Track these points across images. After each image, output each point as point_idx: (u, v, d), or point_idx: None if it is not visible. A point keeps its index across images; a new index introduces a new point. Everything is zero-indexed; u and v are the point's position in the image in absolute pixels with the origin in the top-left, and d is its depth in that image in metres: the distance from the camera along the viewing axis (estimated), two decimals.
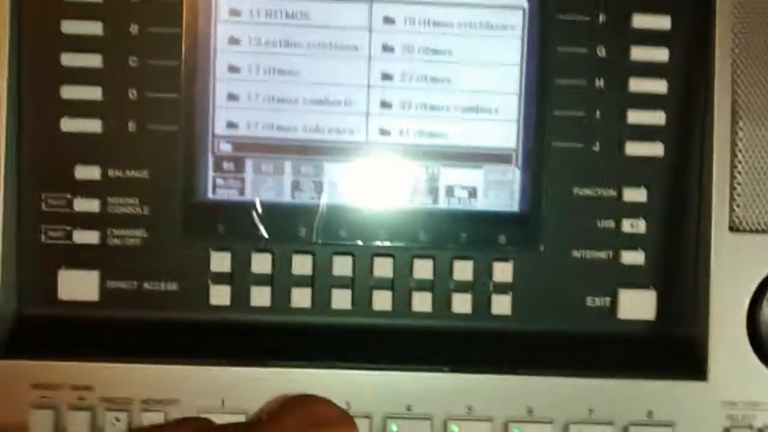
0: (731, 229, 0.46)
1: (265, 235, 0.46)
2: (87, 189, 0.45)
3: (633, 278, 0.47)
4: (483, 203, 0.47)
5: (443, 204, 0.47)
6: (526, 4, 0.46)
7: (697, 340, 0.46)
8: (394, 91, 0.46)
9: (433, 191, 0.47)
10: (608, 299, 0.47)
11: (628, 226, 0.47)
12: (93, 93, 0.45)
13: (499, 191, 0.47)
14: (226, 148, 0.46)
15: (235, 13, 0.46)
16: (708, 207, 0.46)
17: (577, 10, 0.46)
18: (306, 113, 0.46)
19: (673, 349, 0.47)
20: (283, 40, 0.46)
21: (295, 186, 0.46)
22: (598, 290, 0.47)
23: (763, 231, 0.47)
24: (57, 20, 0.44)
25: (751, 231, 0.47)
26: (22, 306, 0.45)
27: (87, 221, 0.45)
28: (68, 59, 0.45)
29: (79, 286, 0.45)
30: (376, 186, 0.47)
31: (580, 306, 0.47)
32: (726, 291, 0.46)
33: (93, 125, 0.45)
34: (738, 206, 0.46)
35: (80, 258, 0.45)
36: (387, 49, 0.46)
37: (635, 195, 0.47)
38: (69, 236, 0.45)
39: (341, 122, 0.46)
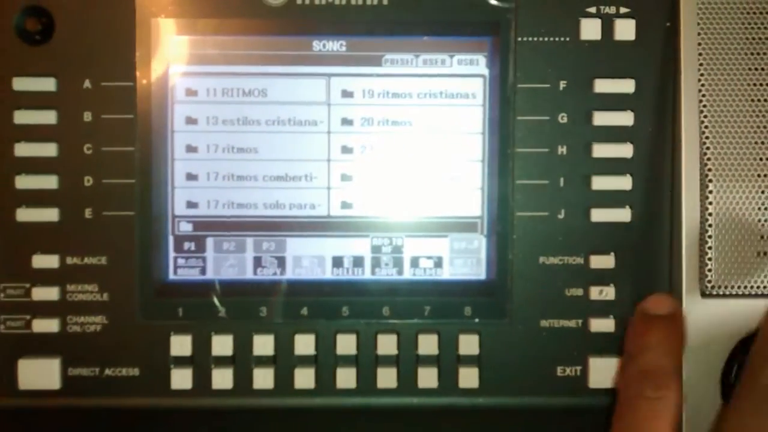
0: (703, 294, 0.45)
1: (224, 315, 0.45)
2: (45, 277, 0.45)
3: (604, 346, 0.46)
4: (449, 273, 0.46)
5: (408, 275, 0.46)
6: (486, 72, 0.46)
7: None
8: (354, 163, 0.46)
9: (398, 263, 0.46)
10: (579, 368, 0.47)
11: (596, 293, 0.46)
12: (48, 182, 0.45)
13: (465, 260, 0.47)
14: (186, 228, 0.46)
15: (191, 93, 0.45)
16: (678, 272, 0.45)
17: (537, 77, 0.46)
18: (266, 189, 0.46)
19: None
20: (241, 118, 0.46)
21: (257, 263, 0.46)
22: (568, 359, 0.47)
23: (736, 296, 0.46)
24: (11, 112, 0.44)
25: (723, 296, 0.46)
26: None
27: (46, 309, 0.45)
28: (22, 149, 0.45)
29: (39, 374, 0.45)
30: (338, 260, 0.46)
31: (550, 376, 0.47)
32: (699, 357, 0.45)
33: (49, 214, 0.45)
34: (709, 271, 0.45)
35: (40, 346, 0.45)
36: (346, 122, 0.46)
37: (603, 262, 0.46)
38: (28, 325, 0.45)
39: (302, 197, 0.46)
